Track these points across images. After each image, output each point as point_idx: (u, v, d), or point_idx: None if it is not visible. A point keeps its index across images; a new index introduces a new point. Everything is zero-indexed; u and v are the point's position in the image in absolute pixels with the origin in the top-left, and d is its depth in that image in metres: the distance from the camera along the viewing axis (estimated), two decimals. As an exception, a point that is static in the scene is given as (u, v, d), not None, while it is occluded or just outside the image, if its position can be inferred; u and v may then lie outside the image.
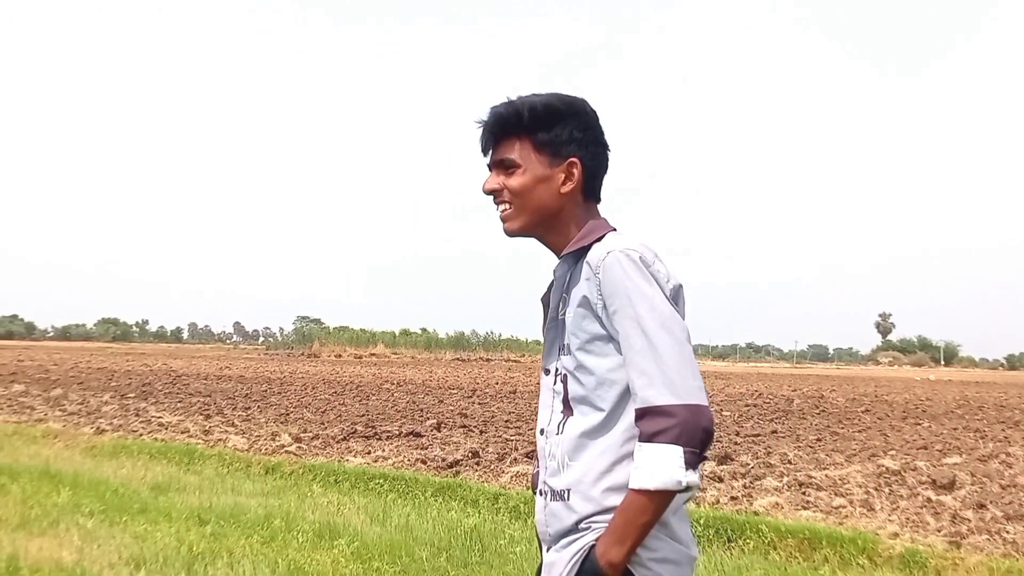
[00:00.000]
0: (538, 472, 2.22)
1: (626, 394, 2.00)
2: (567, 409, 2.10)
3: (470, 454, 10.68)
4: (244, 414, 15.72)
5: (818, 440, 13.63)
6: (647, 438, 1.88)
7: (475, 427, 14.25)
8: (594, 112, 2.21)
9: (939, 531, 7.26)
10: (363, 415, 16.16)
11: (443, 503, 7.77)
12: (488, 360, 66.02)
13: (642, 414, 1.90)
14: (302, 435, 12.34)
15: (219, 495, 7.68)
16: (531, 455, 10.83)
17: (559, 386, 2.13)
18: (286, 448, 11.04)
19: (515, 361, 67.13)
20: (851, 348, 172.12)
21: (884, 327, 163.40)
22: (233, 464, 9.45)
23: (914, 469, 10.04)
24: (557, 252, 2.21)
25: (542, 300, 2.29)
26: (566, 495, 2.05)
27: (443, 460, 10.27)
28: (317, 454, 10.76)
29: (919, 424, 17.55)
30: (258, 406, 17.44)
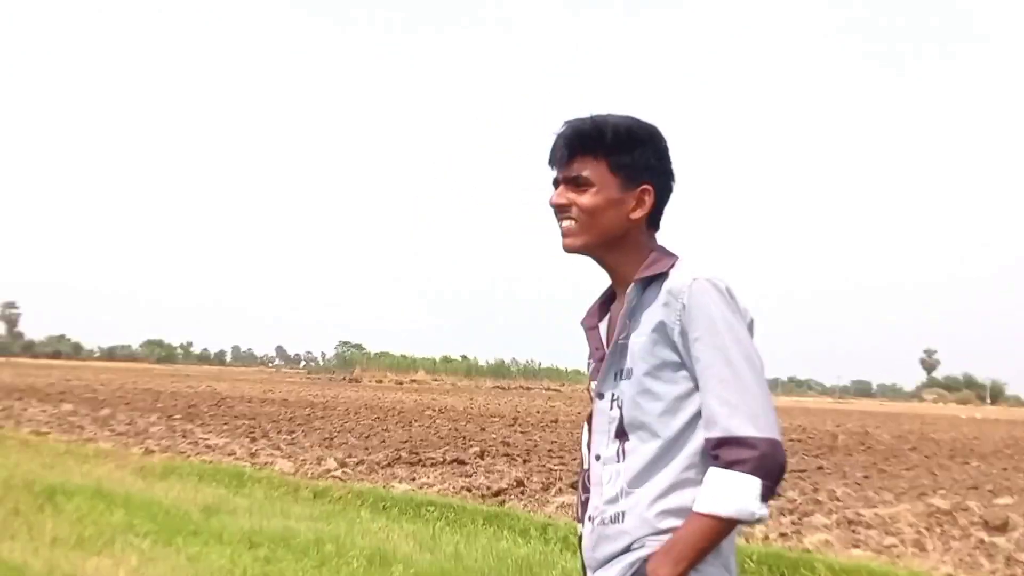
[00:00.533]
0: (587, 498, 2.16)
1: (691, 422, 1.97)
2: (622, 435, 2.05)
3: (515, 483, 10.68)
4: (289, 438, 15.85)
5: (866, 477, 13.51)
6: (726, 465, 1.86)
7: (518, 456, 14.26)
8: (666, 141, 2.19)
9: (993, 573, 7.17)
10: (406, 441, 16.23)
11: (492, 532, 7.77)
12: (528, 389, 65.99)
13: (722, 443, 1.88)
14: (347, 460, 12.40)
15: (269, 518, 7.74)
16: (575, 485, 10.80)
17: (615, 411, 2.08)
18: (332, 473, 11.10)
19: (555, 390, 67.02)
20: (895, 384, 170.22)
21: (929, 364, 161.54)
22: (281, 488, 9.51)
23: (965, 509, 9.90)
24: (615, 275, 2.18)
25: (583, 324, 2.27)
26: (620, 518, 2.02)
27: (488, 488, 10.28)
28: (362, 479, 10.81)
29: (967, 463, 17.34)
30: (303, 430, 17.56)
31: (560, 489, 10.50)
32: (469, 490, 10.18)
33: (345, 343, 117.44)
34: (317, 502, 9.00)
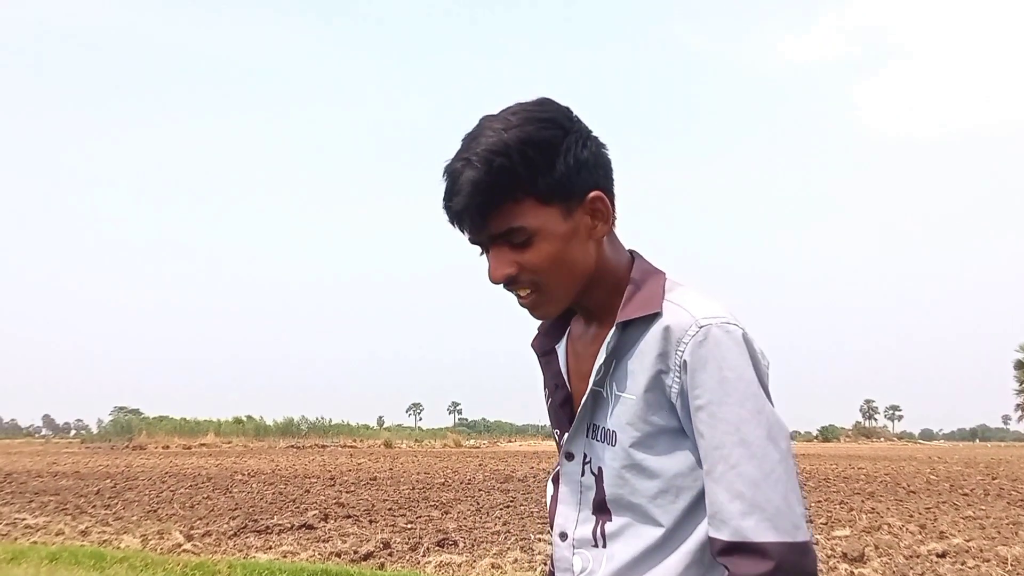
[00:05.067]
0: None
1: (695, 507, 1.50)
2: (603, 512, 1.57)
3: (381, 545, 10.44)
4: (109, 512, 14.88)
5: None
6: None
7: (361, 516, 13.95)
8: (571, 113, 1.57)
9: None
10: (234, 508, 15.56)
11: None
12: (324, 447, 64.37)
13: (732, 549, 1.41)
14: (192, 532, 11.78)
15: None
16: (442, 544, 10.69)
17: (588, 478, 1.59)
18: (183, 547, 10.52)
19: (352, 447, 65.73)
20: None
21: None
22: (148, 567, 8.92)
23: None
24: (586, 308, 1.65)
25: (534, 348, 1.77)
26: None
27: (355, 552, 10.02)
28: (215, 551, 10.30)
29: None
30: (119, 503, 16.53)
31: (428, 549, 10.35)
32: (338, 555, 9.89)
33: (121, 408, 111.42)
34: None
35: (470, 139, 1.51)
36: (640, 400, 1.51)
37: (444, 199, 1.53)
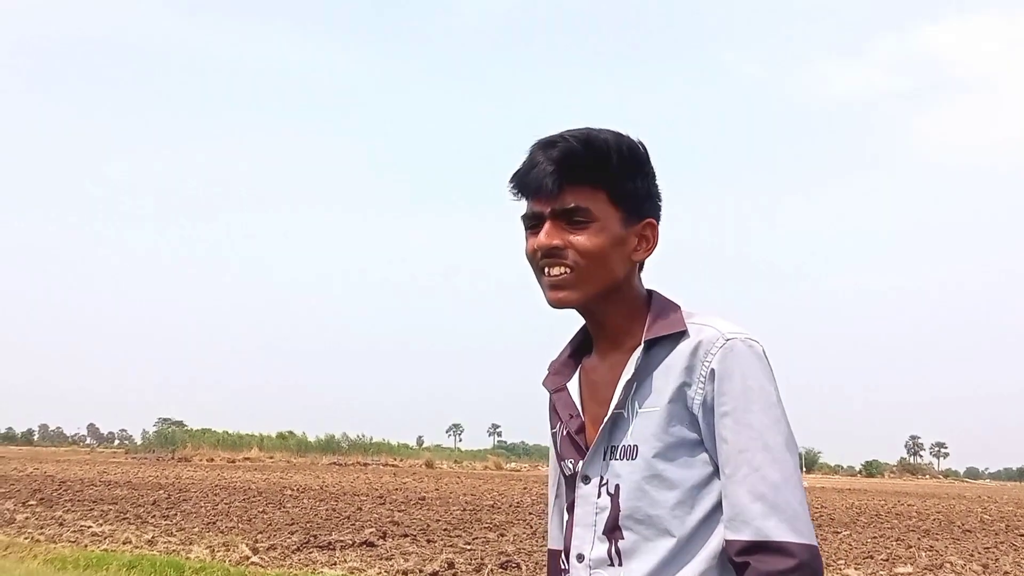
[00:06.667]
0: None
1: (709, 518, 1.57)
2: (615, 531, 1.62)
3: (446, 565, 10.56)
4: (170, 523, 15.13)
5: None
6: None
7: (418, 535, 14.08)
8: None
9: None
10: (291, 523, 15.76)
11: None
12: (366, 464, 64.81)
13: (754, 548, 1.49)
14: (257, 545, 11.97)
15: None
16: (505, 566, 10.78)
17: (604, 499, 1.64)
18: (251, 560, 10.70)
19: (393, 465, 66.12)
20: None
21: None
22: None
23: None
24: (602, 328, 1.74)
25: (546, 386, 1.84)
26: None
27: (420, 571, 10.15)
28: (282, 565, 10.48)
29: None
30: (177, 514, 16.79)
31: (492, 570, 10.45)
32: (404, 573, 10.02)
33: (165, 420, 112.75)
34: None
35: (578, 129, 1.66)
36: (663, 411, 1.59)
37: (527, 163, 1.66)
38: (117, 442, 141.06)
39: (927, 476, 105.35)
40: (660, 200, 1.72)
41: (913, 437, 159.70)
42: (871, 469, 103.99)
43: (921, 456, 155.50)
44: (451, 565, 10.60)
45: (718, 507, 1.56)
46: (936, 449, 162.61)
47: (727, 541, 1.52)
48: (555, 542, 1.87)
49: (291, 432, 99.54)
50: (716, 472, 1.57)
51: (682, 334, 1.62)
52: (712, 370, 1.56)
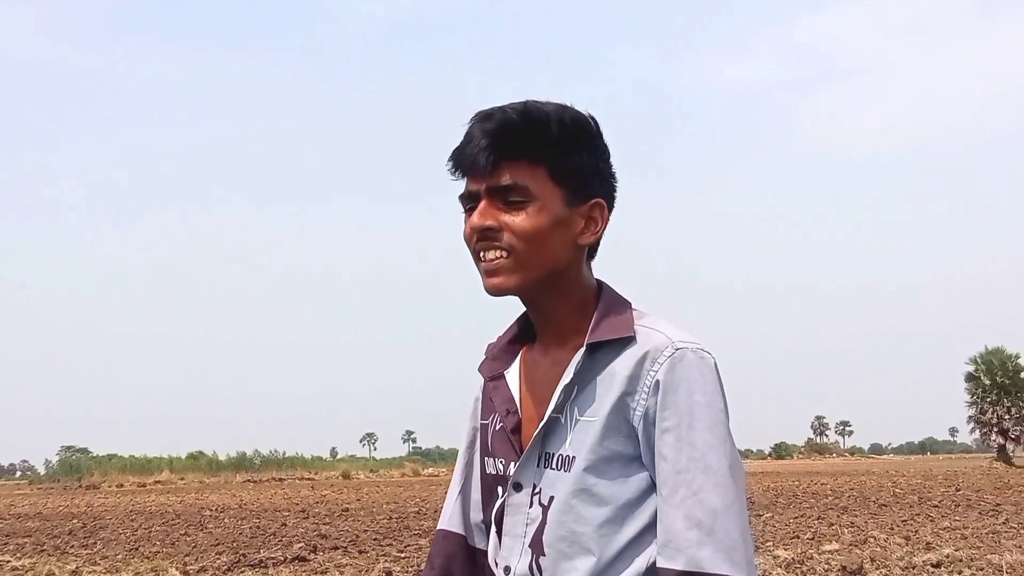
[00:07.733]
0: None
1: (640, 537, 1.45)
2: (537, 546, 1.49)
3: (384, 574, 10.47)
4: (92, 552, 14.68)
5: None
6: None
7: (348, 547, 13.93)
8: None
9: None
10: (216, 544, 15.44)
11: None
12: (281, 480, 63.73)
13: None
14: (187, 569, 11.69)
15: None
16: None
17: (535, 510, 1.50)
18: (183, 584, 10.46)
19: (310, 479, 65.11)
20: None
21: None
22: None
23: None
24: (545, 319, 1.58)
25: (482, 372, 1.69)
26: None
27: (358, 583, 10.04)
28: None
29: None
30: (96, 543, 16.30)
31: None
32: (343, 587, 9.89)
33: (69, 447, 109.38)
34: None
35: (520, 101, 1.50)
36: (601, 423, 1.45)
37: (464, 138, 1.50)
38: (19, 473, 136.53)
39: (834, 455, 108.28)
40: (614, 180, 1.57)
41: (818, 417, 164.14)
42: (780, 451, 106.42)
43: (827, 435, 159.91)
44: (389, 574, 10.52)
45: (650, 527, 1.44)
46: (841, 428, 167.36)
47: (659, 568, 1.39)
48: (450, 524, 1.74)
49: (201, 452, 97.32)
50: (653, 489, 1.44)
51: (630, 339, 1.48)
52: (657, 381, 1.42)
